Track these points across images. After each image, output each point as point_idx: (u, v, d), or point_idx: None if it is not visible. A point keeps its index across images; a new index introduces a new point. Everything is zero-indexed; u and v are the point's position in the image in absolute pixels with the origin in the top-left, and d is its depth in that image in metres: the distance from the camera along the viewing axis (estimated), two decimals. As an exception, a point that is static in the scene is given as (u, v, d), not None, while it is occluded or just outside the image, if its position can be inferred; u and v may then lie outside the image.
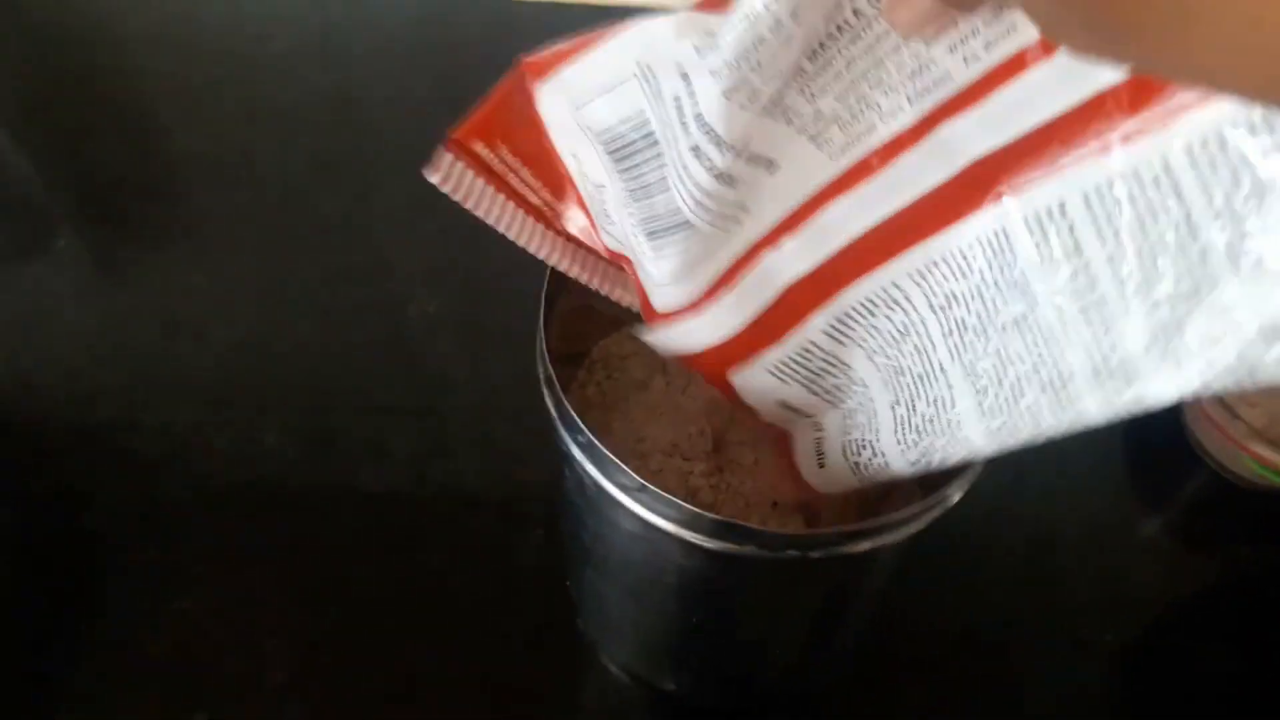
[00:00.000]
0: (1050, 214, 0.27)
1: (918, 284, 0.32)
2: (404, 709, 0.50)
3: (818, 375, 0.37)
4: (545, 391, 0.38)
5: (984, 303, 0.30)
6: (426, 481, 0.56)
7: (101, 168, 0.73)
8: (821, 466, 0.39)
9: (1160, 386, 0.25)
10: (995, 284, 0.29)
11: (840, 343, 0.36)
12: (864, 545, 0.35)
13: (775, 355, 0.38)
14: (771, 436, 0.43)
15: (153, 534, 0.54)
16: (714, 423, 0.46)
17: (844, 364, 0.36)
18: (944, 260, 0.31)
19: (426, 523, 0.55)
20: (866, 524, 0.35)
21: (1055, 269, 0.27)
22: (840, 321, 0.35)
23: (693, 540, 0.35)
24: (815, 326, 0.36)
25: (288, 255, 0.67)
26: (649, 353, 0.50)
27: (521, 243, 0.39)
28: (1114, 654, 0.52)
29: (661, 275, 0.37)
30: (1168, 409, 0.58)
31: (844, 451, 0.38)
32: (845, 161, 0.32)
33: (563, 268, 0.40)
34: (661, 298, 0.38)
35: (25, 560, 0.54)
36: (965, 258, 0.30)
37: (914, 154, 0.30)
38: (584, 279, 0.41)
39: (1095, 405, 0.27)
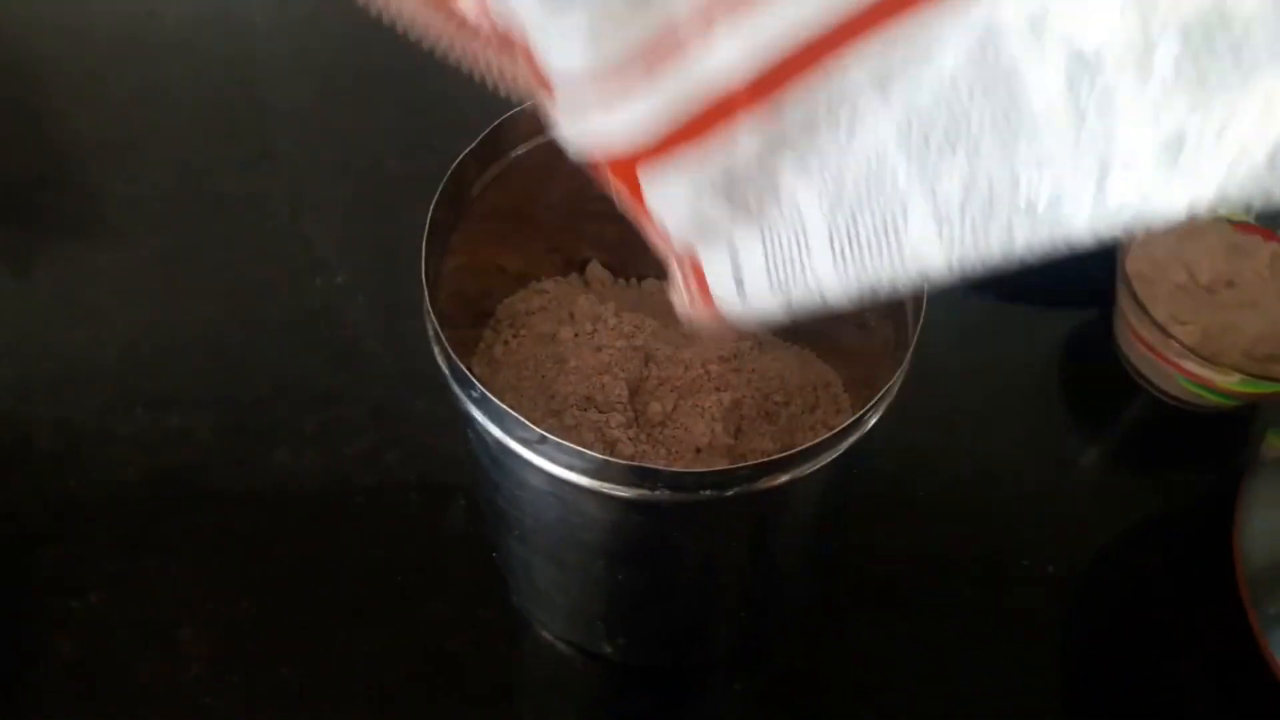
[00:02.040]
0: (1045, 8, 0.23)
1: (870, 67, 0.28)
2: (330, 693, 0.48)
3: (739, 181, 0.32)
4: (435, 349, 0.36)
5: (955, 92, 0.26)
6: (343, 458, 0.54)
7: (-7, 157, 0.70)
8: (740, 294, 0.35)
9: (1171, 196, 0.22)
10: (974, 70, 0.25)
11: (768, 140, 0.31)
12: (782, 478, 0.34)
13: (692, 152, 0.32)
14: (678, 260, 0.38)
15: (55, 530, 0.52)
16: (628, 371, 0.44)
17: (770, 168, 0.32)
18: (907, 39, 0.26)
19: (345, 501, 0.53)
20: (782, 455, 0.33)
21: (1055, 46, 0.23)
22: (772, 115, 0.30)
23: (602, 490, 0.34)
24: (744, 128, 0.31)
25: (190, 235, 0.64)
26: (555, 307, 0.48)
27: (407, 26, 0.35)
28: (1055, 582, 0.51)
29: (562, 53, 0.31)
30: (1098, 334, 0.57)
31: (769, 273, 0.34)
32: None
33: (456, 51, 0.36)
34: (559, 55, 0.32)
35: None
36: (934, 35, 0.26)
37: None
38: (476, 63, 0.36)
39: (1087, 222, 0.24)
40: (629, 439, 0.42)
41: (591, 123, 0.33)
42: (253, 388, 0.57)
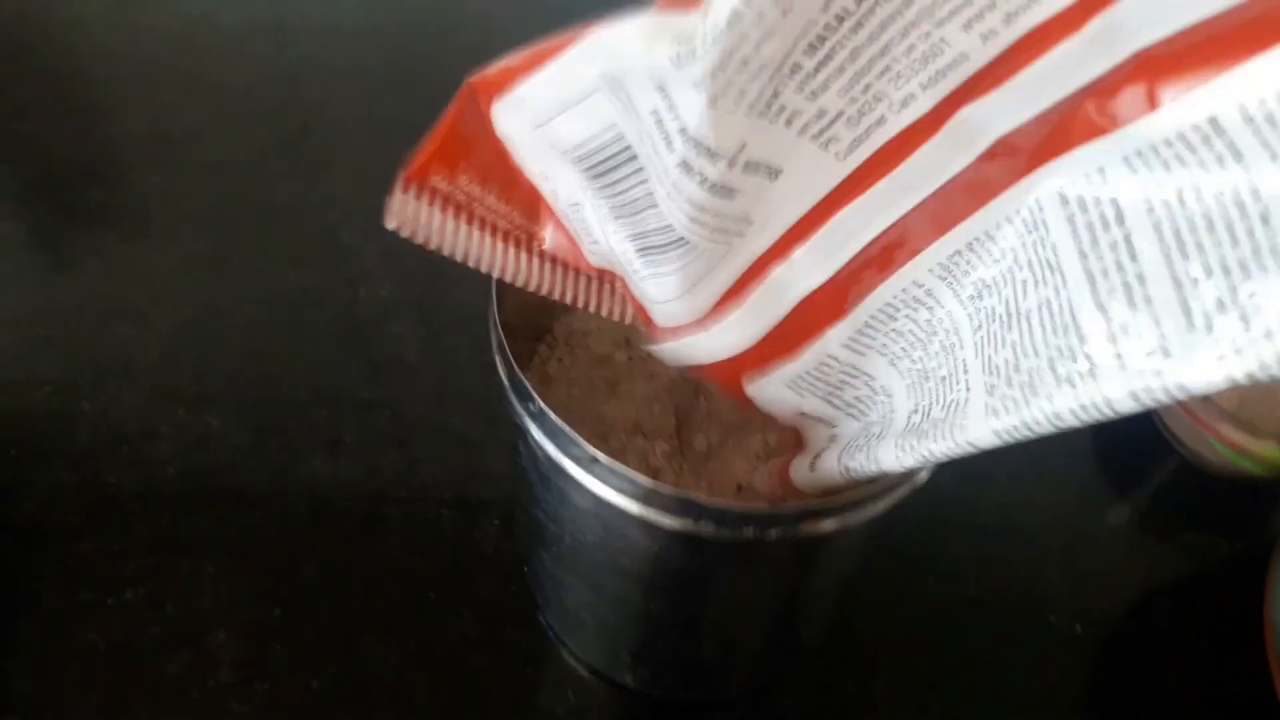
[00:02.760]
0: (1089, 178, 0.24)
1: (943, 278, 0.30)
2: (356, 704, 0.48)
3: (838, 388, 0.35)
4: (497, 359, 0.36)
5: (1014, 287, 0.27)
6: (380, 470, 0.55)
7: (43, 150, 0.70)
8: (813, 470, 0.37)
9: (1206, 370, 0.23)
10: (1028, 264, 0.27)
11: (860, 354, 0.33)
12: (828, 525, 0.34)
13: (791, 370, 0.35)
14: (789, 439, 0.41)
15: (92, 525, 0.52)
16: (678, 400, 0.44)
17: (866, 374, 0.34)
18: (970, 247, 0.28)
19: (380, 513, 0.53)
20: (829, 502, 0.34)
21: (1093, 240, 0.25)
22: (860, 332, 0.33)
23: (646, 517, 0.34)
24: (833, 340, 0.33)
25: (235, 238, 0.65)
26: (612, 328, 0.49)
27: (497, 273, 0.36)
28: (1082, 642, 0.51)
29: (659, 294, 0.34)
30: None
31: (839, 455, 0.36)
32: (855, 160, 0.29)
33: (545, 291, 0.37)
34: (662, 314, 0.36)
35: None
36: (993, 239, 0.28)
37: (931, 144, 0.28)
38: (570, 299, 0.38)
39: (1124, 394, 0.24)
40: (672, 469, 0.43)
41: (694, 353, 0.36)
42: (292, 394, 0.58)
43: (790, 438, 0.41)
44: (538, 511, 0.40)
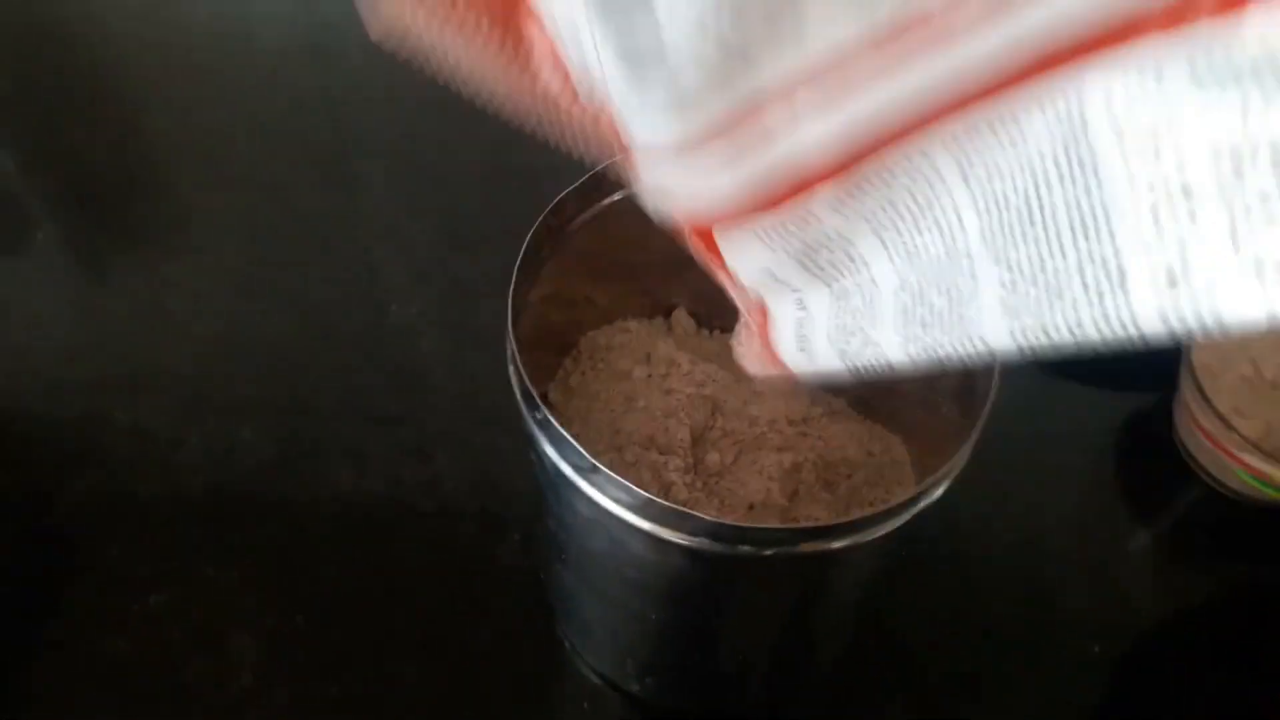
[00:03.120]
0: (1143, 85, 0.23)
1: (952, 151, 0.27)
2: (374, 712, 0.48)
3: (813, 249, 0.33)
4: (510, 369, 0.37)
5: (1034, 179, 0.25)
6: (403, 484, 0.55)
7: (83, 162, 0.72)
8: (802, 350, 0.36)
9: (1247, 301, 0.22)
10: (1054, 158, 0.25)
11: (846, 216, 0.31)
12: (830, 545, 0.34)
13: (769, 221, 0.32)
14: (747, 307, 0.38)
15: (120, 532, 0.53)
16: (693, 418, 0.45)
17: (846, 239, 0.32)
18: (990, 126, 0.26)
19: (402, 525, 0.54)
20: (820, 523, 0.34)
21: (1139, 151, 0.23)
22: (850, 194, 0.30)
23: (643, 527, 0.34)
24: (821, 199, 0.31)
25: (269, 253, 0.66)
26: (635, 346, 0.49)
27: (478, 81, 0.35)
28: (1100, 667, 0.51)
29: (641, 122, 0.32)
30: (1156, 419, 0.57)
31: (829, 336, 0.34)
32: (892, 17, 0.26)
33: (522, 106, 0.35)
34: (641, 128, 0.32)
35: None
36: (1020, 124, 0.25)
37: (979, 23, 0.25)
38: (554, 130, 0.36)
39: (1153, 313, 0.23)
40: (684, 484, 0.43)
41: (671, 190, 0.34)
42: (320, 407, 0.59)
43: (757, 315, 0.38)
44: (549, 520, 0.41)
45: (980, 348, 0.28)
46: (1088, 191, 0.24)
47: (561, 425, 0.47)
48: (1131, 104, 0.23)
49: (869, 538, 0.35)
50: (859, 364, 0.33)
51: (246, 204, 0.69)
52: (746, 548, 0.33)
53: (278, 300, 0.64)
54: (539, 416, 0.36)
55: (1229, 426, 0.52)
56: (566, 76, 0.34)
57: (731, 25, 0.27)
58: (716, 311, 0.52)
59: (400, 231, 0.67)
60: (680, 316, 0.52)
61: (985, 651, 0.51)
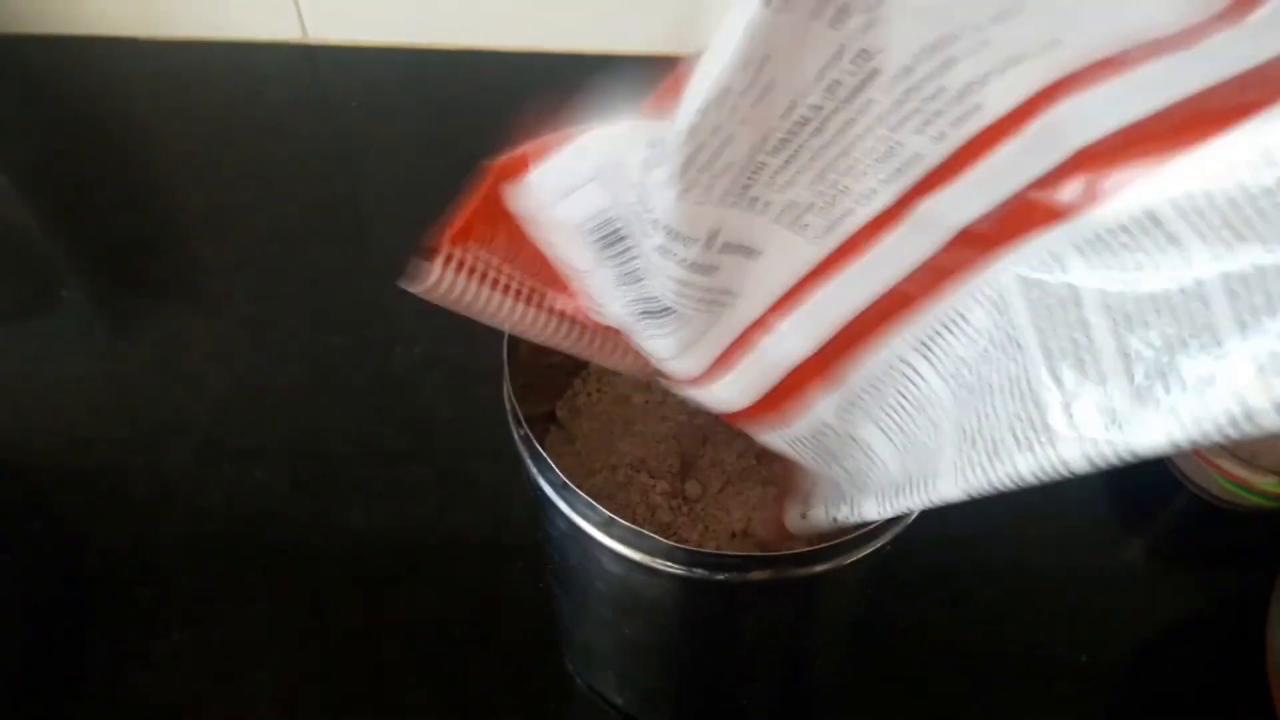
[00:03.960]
0: (1046, 264, 0.27)
1: (924, 355, 0.32)
2: (388, 741, 0.50)
3: (835, 456, 0.37)
4: (504, 385, 0.39)
5: (986, 362, 0.29)
6: (413, 518, 0.58)
7: (105, 223, 0.75)
8: (804, 519, 0.40)
9: (1152, 436, 0.24)
10: (996, 342, 0.29)
11: (850, 420, 0.36)
12: (817, 568, 0.36)
13: (789, 434, 0.38)
14: (782, 483, 0.44)
15: (144, 575, 0.56)
16: (685, 445, 0.47)
17: (863, 442, 0.36)
18: (946, 327, 0.31)
19: (411, 559, 0.56)
20: (816, 547, 0.35)
21: (1051, 319, 0.27)
22: (850, 404, 0.35)
23: (609, 544, 0.36)
24: (825, 409, 0.36)
25: (281, 303, 0.69)
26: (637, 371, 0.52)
27: (514, 328, 0.39)
28: (1090, 675, 0.52)
29: (659, 353, 0.37)
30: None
31: (825, 508, 0.38)
32: (829, 244, 0.32)
33: (558, 345, 0.40)
34: (667, 369, 0.38)
35: (18, 602, 0.55)
36: (966, 320, 0.30)
37: (896, 232, 0.30)
38: (582, 353, 0.41)
39: (1078, 457, 0.26)
40: (670, 508, 0.45)
41: (691, 395, 0.39)
42: (331, 448, 0.61)
43: (788, 482, 0.43)
44: (538, 532, 0.43)
45: (936, 503, 0.32)
46: (1017, 363, 0.28)
47: (564, 441, 0.50)
48: (1042, 283, 0.27)
49: (858, 556, 0.36)
50: (842, 523, 0.37)
51: (258, 256, 0.72)
52: (700, 571, 0.35)
53: (288, 348, 0.66)
54: (521, 433, 0.38)
55: (1205, 435, 0.53)
56: (589, 312, 0.39)
57: (707, 279, 0.33)
58: None
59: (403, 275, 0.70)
60: None
61: (975, 662, 0.53)
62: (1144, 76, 0.24)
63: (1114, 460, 0.25)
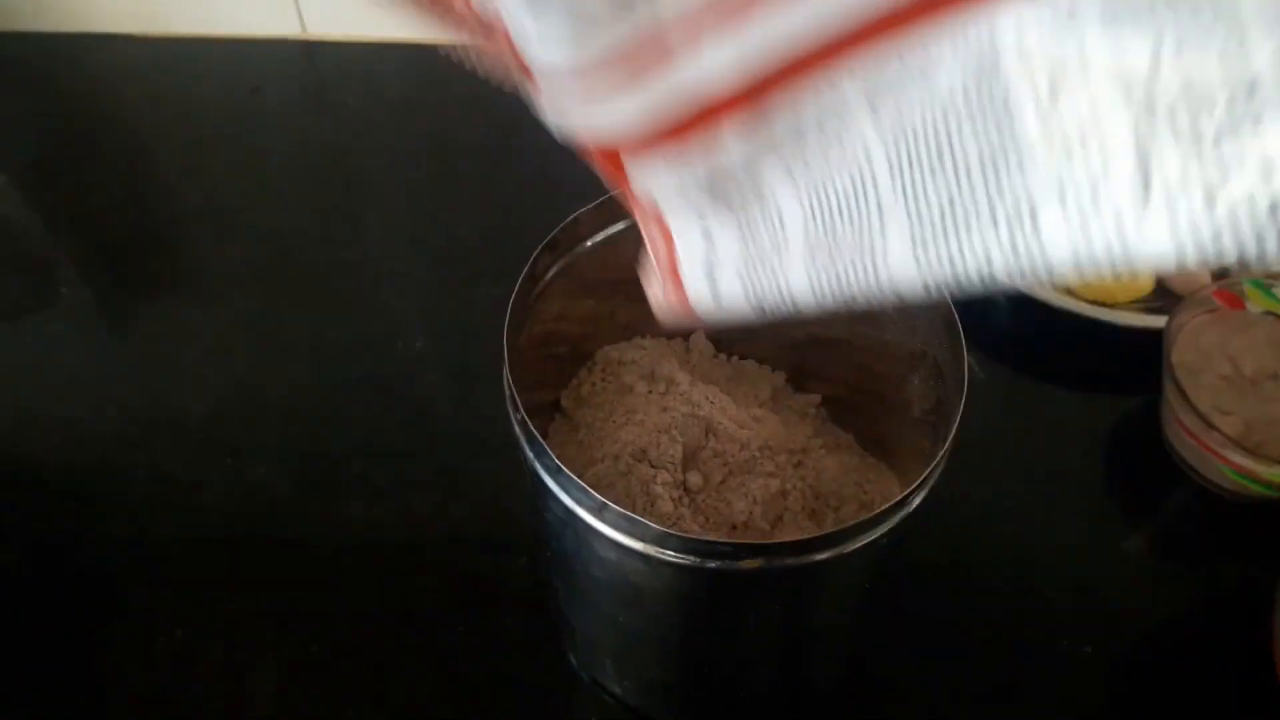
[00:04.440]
0: (1055, 20, 0.23)
1: (860, 82, 0.27)
2: (390, 736, 0.50)
3: (721, 179, 0.32)
4: (505, 371, 0.39)
5: (944, 113, 0.25)
6: (413, 513, 0.57)
7: (104, 220, 0.75)
8: (710, 286, 0.35)
9: (1155, 236, 0.22)
10: (964, 92, 0.25)
11: (754, 146, 0.30)
12: (817, 557, 0.36)
13: (677, 153, 0.31)
14: (651, 238, 0.37)
15: (144, 571, 0.55)
16: (687, 436, 0.46)
17: (753, 171, 0.31)
18: (900, 57, 0.26)
19: (412, 554, 0.56)
20: (809, 536, 0.35)
21: (1053, 94, 0.23)
22: (758, 123, 0.29)
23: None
24: (728, 128, 0.30)
25: (280, 300, 0.69)
26: (644, 362, 0.51)
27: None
28: (1094, 667, 0.52)
29: (541, 46, 0.30)
30: (1146, 420, 0.58)
31: (742, 270, 0.33)
32: None
33: (423, 22, 0.34)
34: (540, 51, 0.31)
35: (17, 599, 0.55)
36: (930, 54, 0.25)
37: None
38: (448, 41, 0.34)
39: (1066, 252, 0.23)
40: (671, 499, 0.45)
41: (574, 115, 0.32)
42: (331, 444, 0.61)
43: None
44: (535, 518, 0.43)
45: (887, 282, 0.28)
46: (999, 128, 0.24)
47: (568, 430, 0.49)
48: (1044, 39, 0.23)
49: (858, 544, 0.36)
50: (765, 300, 0.33)
51: (257, 254, 0.72)
52: (692, 558, 0.35)
53: (288, 345, 0.66)
54: (519, 416, 0.38)
55: (1210, 425, 0.53)
56: None
57: None
58: (736, 337, 0.54)
59: (404, 271, 0.70)
60: (698, 339, 0.54)
61: (978, 653, 0.53)
62: None
63: (1104, 265, 0.23)
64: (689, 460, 0.47)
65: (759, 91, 0.28)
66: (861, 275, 0.29)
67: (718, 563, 0.35)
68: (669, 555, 0.35)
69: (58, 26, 0.86)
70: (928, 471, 0.37)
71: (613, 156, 0.33)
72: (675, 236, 0.35)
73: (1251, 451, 0.53)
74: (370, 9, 0.84)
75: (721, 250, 0.34)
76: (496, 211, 0.73)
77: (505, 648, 0.53)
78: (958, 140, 0.25)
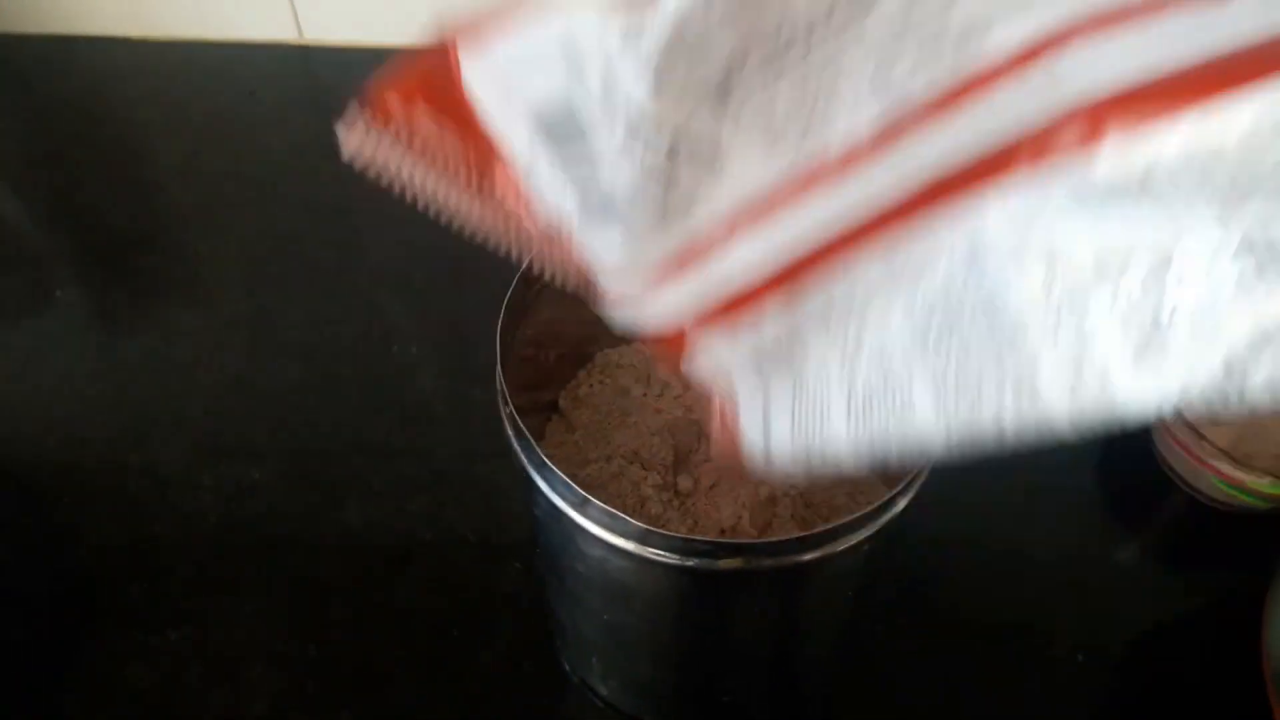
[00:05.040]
0: (1029, 218, 0.25)
1: (878, 267, 0.30)
2: (383, 737, 0.50)
3: (770, 354, 0.34)
4: (498, 368, 0.39)
5: (949, 294, 0.28)
6: (408, 515, 0.57)
7: (99, 223, 0.75)
8: (766, 448, 0.36)
9: (1138, 398, 0.24)
10: (972, 295, 0.27)
11: (794, 327, 0.33)
12: (790, 560, 0.36)
13: (725, 334, 0.35)
14: (718, 401, 0.39)
15: (140, 570, 0.55)
16: (679, 439, 0.47)
17: (800, 344, 0.33)
18: (908, 246, 0.29)
19: (407, 556, 0.56)
20: (787, 537, 0.35)
21: (1034, 264, 0.25)
22: (795, 308, 0.32)
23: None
24: (769, 313, 0.33)
25: (275, 301, 0.69)
26: (641, 366, 0.52)
27: (446, 212, 0.36)
28: (1087, 674, 0.53)
29: (603, 256, 0.35)
30: (1138, 431, 0.58)
31: (793, 433, 0.35)
32: (801, 157, 0.30)
33: (490, 237, 0.37)
34: (602, 271, 0.35)
35: (13, 599, 0.55)
36: (933, 245, 0.28)
37: (875, 164, 0.29)
38: (514, 252, 0.37)
39: (1066, 417, 0.26)
40: (661, 500, 0.45)
41: (634, 306, 0.36)
42: (326, 445, 0.61)
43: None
44: (527, 515, 0.43)
45: (916, 442, 0.30)
46: (991, 309, 0.27)
47: (564, 430, 0.50)
48: (1028, 224, 0.25)
49: (847, 544, 0.36)
50: (813, 460, 0.34)
51: (253, 255, 0.72)
52: (673, 556, 0.35)
53: (284, 346, 0.66)
54: (508, 411, 0.38)
55: (1200, 436, 0.54)
56: (528, 206, 0.36)
57: (666, 186, 0.31)
58: None
59: (400, 274, 0.70)
60: None
61: (969, 661, 0.53)
62: (1154, 32, 0.24)
63: (1099, 420, 0.25)
64: (680, 463, 0.47)
65: (789, 278, 0.32)
66: (895, 437, 0.31)
67: (696, 561, 0.35)
68: (650, 553, 0.35)
69: (54, 29, 0.86)
70: (911, 475, 0.37)
71: (673, 341, 0.36)
72: (737, 398, 0.38)
73: (1241, 463, 0.53)
74: (367, 14, 0.84)
75: (775, 413, 0.36)
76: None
77: (498, 651, 0.53)
78: (963, 315, 0.27)
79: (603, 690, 0.50)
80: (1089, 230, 0.25)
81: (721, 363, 0.36)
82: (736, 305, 0.34)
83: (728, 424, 0.38)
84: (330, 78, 0.85)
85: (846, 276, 0.31)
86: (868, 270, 0.30)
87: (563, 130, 0.32)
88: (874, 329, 0.31)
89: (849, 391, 0.32)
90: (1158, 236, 0.23)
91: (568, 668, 0.52)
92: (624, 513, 0.36)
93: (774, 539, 0.36)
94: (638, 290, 0.35)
